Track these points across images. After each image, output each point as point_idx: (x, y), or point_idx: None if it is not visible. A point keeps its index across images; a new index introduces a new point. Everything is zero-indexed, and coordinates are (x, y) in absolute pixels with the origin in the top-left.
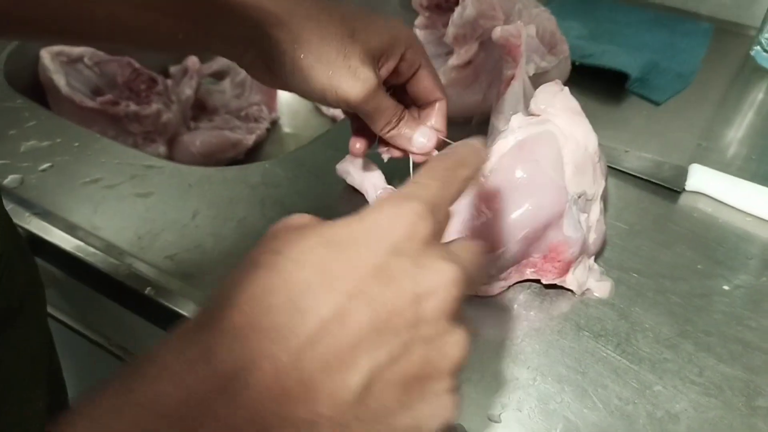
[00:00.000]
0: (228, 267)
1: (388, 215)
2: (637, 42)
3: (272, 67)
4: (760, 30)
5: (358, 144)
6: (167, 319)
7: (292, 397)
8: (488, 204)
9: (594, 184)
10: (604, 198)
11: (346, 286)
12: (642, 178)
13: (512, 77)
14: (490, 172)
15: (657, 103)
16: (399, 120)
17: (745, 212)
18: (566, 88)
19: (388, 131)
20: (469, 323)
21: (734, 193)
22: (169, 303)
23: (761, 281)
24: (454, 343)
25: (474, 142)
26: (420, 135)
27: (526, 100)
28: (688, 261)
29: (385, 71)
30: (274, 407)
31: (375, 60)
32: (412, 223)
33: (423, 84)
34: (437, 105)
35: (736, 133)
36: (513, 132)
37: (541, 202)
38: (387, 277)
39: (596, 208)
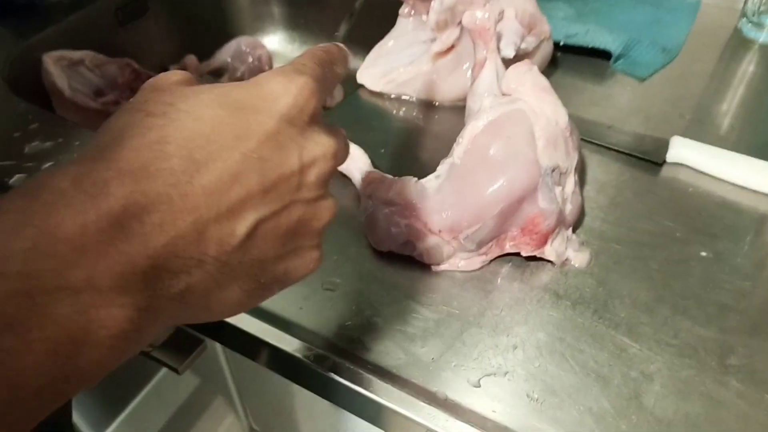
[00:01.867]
0: None
1: (283, 85)
2: (624, 19)
3: None
4: (746, 1)
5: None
6: None
7: (185, 238)
8: (464, 182)
9: (567, 157)
10: (583, 171)
11: (242, 147)
12: (624, 153)
13: (484, 60)
14: (465, 152)
15: (641, 79)
16: None
17: (725, 181)
18: (535, 67)
19: None
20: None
21: (714, 162)
22: None
23: (739, 246)
24: (326, 208)
25: (342, 46)
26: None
27: (500, 81)
28: (668, 230)
29: None
30: (167, 246)
31: None
32: (303, 97)
33: None
34: None
35: (721, 105)
36: (485, 112)
37: (514, 177)
38: (278, 144)
39: (570, 180)
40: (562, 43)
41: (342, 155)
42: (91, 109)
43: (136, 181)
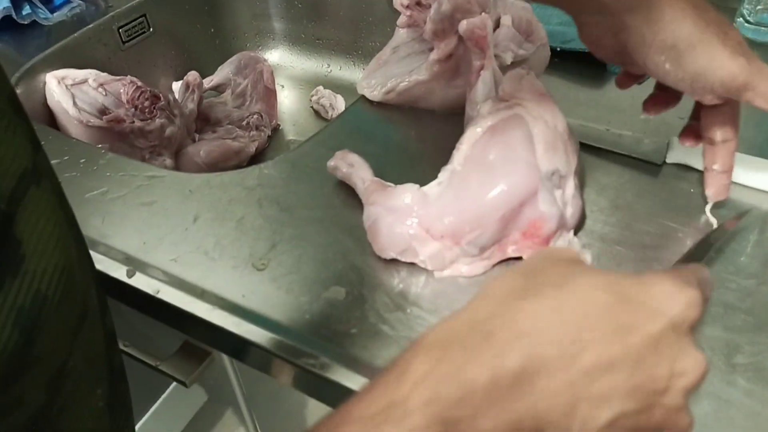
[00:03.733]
0: (228, 267)
1: (674, 292)
2: None
3: (627, 44)
4: (742, 1)
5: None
6: (176, 318)
7: (560, 409)
8: (464, 188)
9: (566, 161)
10: (583, 174)
11: (624, 339)
12: (624, 155)
13: (481, 67)
14: (465, 158)
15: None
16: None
17: None
18: (532, 73)
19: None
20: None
21: None
22: (176, 303)
23: (742, 245)
24: (684, 419)
25: (708, 273)
26: None
27: (497, 88)
28: (670, 230)
29: None
30: (547, 411)
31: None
32: (689, 307)
33: None
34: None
35: None
36: (483, 118)
37: (514, 181)
38: (656, 346)
39: (570, 183)
40: (558, 49)
41: (704, 375)
42: (96, 128)
43: (533, 345)
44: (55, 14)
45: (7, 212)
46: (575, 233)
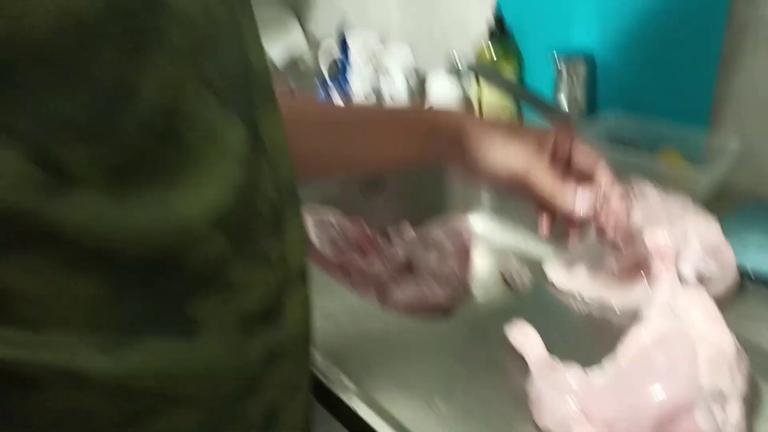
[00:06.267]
0: (403, 396)
1: None
2: None
3: (464, 160)
4: None
5: (544, 223)
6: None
7: None
8: (625, 386)
9: (731, 382)
10: (758, 406)
11: None
12: None
13: (662, 278)
14: (629, 358)
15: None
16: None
17: None
18: (707, 295)
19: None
20: None
21: None
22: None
23: None
24: None
25: None
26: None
27: (675, 299)
28: None
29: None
30: None
31: (535, 144)
32: None
33: (579, 156)
34: (598, 165)
35: None
36: (652, 323)
37: (674, 394)
38: None
39: (735, 407)
40: (752, 273)
41: None
42: (332, 263)
43: None
44: None
45: None
46: None
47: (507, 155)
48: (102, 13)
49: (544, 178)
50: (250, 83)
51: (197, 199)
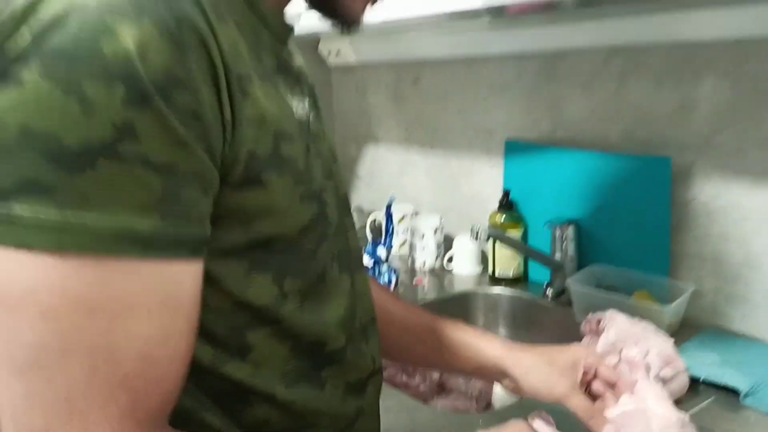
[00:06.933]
0: None
1: None
2: (762, 371)
3: (510, 383)
4: None
5: None
6: None
7: None
8: None
9: None
10: None
11: None
12: None
13: (636, 381)
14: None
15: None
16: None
17: None
18: (662, 386)
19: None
20: None
21: None
22: None
23: None
24: None
25: None
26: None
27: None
28: None
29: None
30: None
31: (569, 369)
32: None
33: (604, 372)
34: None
35: None
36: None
37: None
38: None
39: None
40: (701, 379)
41: None
42: (394, 379)
43: None
44: None
45: None
46: None
47: (549, 383)
48: (310, 221)
49: (580, 404)
50: (351, 256)
51: (331, 312)
